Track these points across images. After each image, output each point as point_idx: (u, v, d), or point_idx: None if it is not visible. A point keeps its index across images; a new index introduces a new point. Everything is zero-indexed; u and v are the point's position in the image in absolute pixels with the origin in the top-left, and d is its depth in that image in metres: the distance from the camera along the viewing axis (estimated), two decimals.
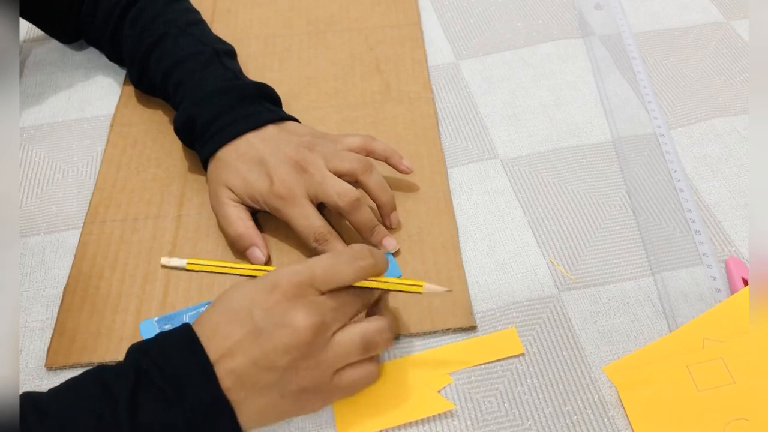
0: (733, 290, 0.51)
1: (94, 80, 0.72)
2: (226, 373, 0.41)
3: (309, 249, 0.53)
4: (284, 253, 0.55)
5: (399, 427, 0.46)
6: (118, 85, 0.71)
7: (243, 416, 0.42)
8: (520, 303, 0.52)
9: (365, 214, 0.53)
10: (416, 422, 0.46)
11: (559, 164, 0.61)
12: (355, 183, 0.54)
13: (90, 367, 0.42)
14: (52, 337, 0.51)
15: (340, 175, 0.53)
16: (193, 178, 0.61)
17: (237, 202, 0.55)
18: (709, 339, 0.46)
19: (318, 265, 0.43)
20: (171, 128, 0.65)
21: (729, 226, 0.56)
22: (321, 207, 0.55)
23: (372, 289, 0.45)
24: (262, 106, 0.58)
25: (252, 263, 0.54)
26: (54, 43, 0.76)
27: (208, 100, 0.57)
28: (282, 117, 0.58)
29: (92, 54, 0.75)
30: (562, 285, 0.53)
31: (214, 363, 0.41)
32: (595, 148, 0.63)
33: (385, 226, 0.55)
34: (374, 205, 0.56)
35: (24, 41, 0.77)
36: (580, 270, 0.53)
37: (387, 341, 0.45)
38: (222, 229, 0.56)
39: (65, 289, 0.53)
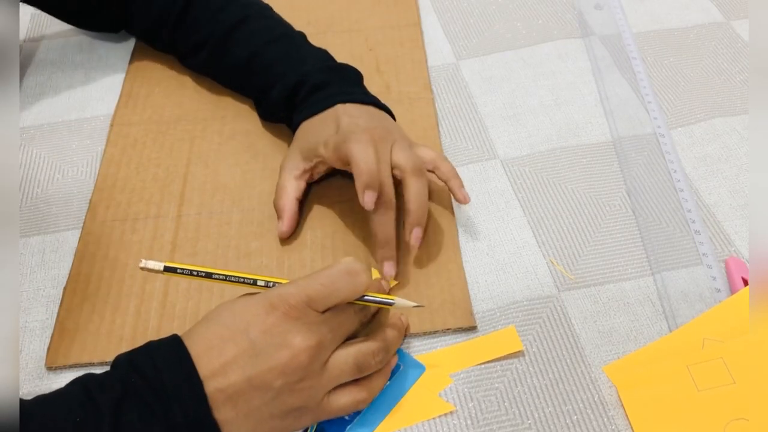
0: (733, 290, 0.51)
1: (94, 80, 0.72)
2: (216, 390, 0.40)
3: (359, 189, 0.50)
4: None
5: (398, 428, 0.46)
6: (118, 85, 0.71)
7: None
8: (520, 303, 0.52)
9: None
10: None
11: (559, 164, 0.61)
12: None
13: (83, 371, 0.41)
14: (51, 337, 0.51)
15: (392, 167, 0.52)
16: (193, 178, 0.61)
17: (296, 170, 0.56)
18: (709, 339, 0.46)
19: (313, 286, 0.43)
20: (171, 128, 0.65)
21: (729, 226, 0.56)
22: None
23: (368, 305, 0.46)
24: (364, 88, 0.61)
25: (278, 234, 0.55)
26: (54, 43, 0.76)
27: (319, 70, 0.60)
28: (384, 106, 0.59)
29: (92, 54, 0.75)
30: (562, 285, 0.53)
31: (204, 379, 0.40)
32: (595, 148, 0.63)
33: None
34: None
35: (24, 41, 0.77)
36: (580, 270, 0.53)
37: (380, 363, 0.45)
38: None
39: (65, 289, 0.53)
